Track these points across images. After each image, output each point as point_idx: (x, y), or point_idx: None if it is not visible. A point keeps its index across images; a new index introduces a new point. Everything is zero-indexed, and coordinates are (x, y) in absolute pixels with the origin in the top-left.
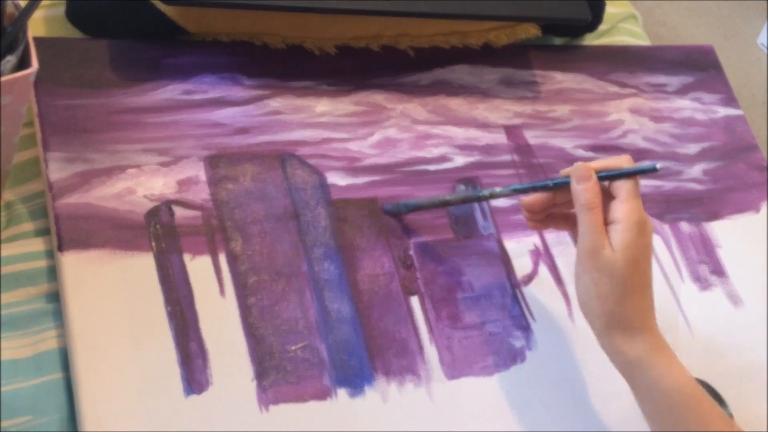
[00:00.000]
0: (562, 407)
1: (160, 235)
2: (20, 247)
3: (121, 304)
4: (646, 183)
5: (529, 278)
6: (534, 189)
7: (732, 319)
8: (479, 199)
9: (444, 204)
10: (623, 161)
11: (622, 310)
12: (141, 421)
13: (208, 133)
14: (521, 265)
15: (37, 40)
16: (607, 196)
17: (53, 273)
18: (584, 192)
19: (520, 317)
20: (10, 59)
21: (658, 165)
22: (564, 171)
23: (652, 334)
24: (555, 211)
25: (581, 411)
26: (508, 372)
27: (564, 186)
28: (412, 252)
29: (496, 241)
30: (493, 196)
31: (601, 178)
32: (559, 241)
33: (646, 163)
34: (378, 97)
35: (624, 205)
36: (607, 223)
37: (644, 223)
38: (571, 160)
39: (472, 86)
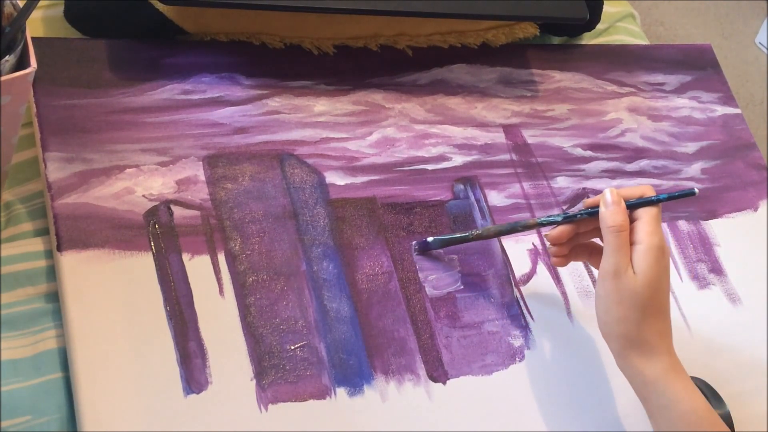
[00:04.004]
0: (560, 406)
1: (159, 234)
2: (19, 247)
3: (120, 304)
4: (644, 182)
5: (528, 277)
6: (560, 222)
7: (730, 317)
8: (508, 232)
9: (477, 238)
10: (645, 190)
11: (640, 332)
12: (140, 421)
13: (207, 132)
14: (520, 264)
15: (35, 40)
16: (629, 220)
17: (52, 273)
18: (612, 214)
19: (518, 316)
20: (9, 59)
21: (696, 189)
22: (588, 201)
23: (669, 356)
24: (577, 243)
25: (579, 410)
26: (506, 371)
27: (590, 216)
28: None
29: (495, 239)
30: (515, 229)
31: (630, 206)
32: None
33: (683, 189)
34: (376, 97)
35: (646, 228)
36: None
37: (663, 248)
38: (569, 159)
39: (471, 85)
